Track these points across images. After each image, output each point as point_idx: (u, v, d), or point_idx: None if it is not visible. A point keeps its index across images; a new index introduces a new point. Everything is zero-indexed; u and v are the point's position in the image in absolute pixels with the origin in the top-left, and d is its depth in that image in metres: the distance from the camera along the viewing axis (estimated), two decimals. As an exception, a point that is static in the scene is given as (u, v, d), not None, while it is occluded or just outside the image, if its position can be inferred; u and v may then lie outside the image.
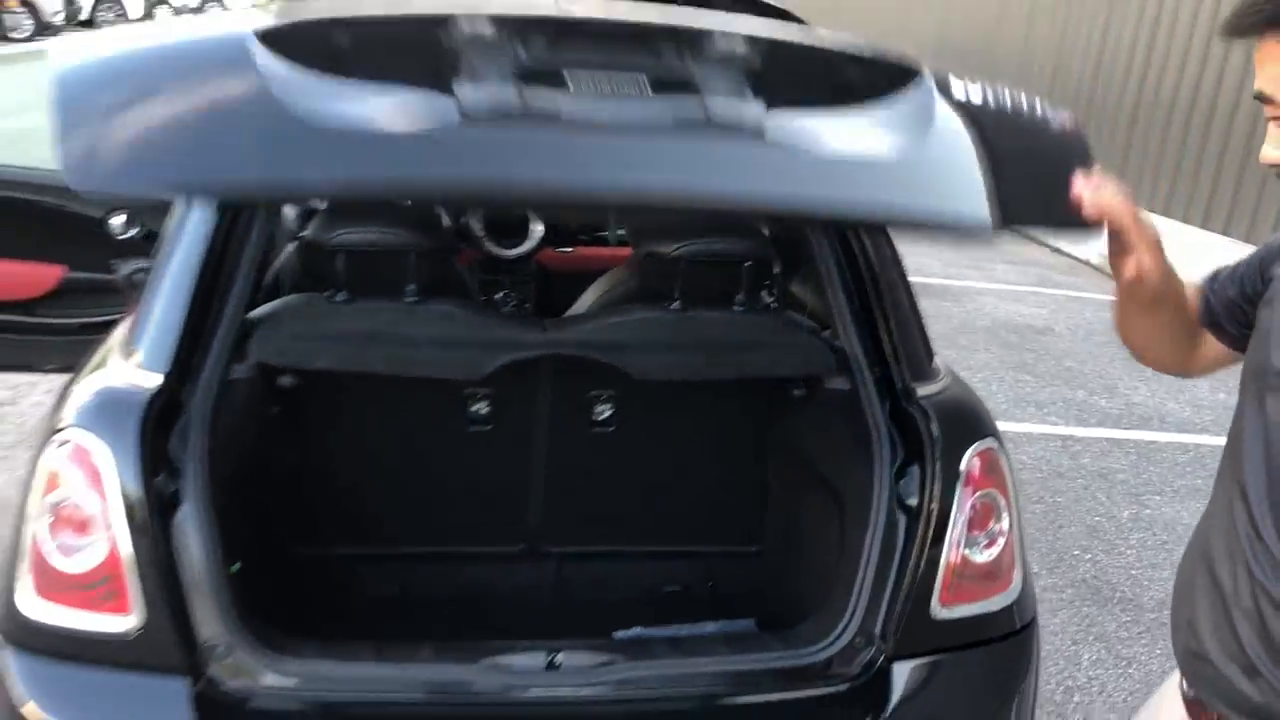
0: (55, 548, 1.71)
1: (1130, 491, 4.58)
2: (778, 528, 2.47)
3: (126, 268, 3.08)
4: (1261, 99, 1.19)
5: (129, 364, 1.82)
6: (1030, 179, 1.51)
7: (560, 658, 1.78)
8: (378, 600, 2.38)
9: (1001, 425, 5.13)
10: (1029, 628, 2.02)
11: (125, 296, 2.56)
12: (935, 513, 1.87)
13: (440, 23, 1.37)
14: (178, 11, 30.44)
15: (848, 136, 1.47)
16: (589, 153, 1.38)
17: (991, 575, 1.95)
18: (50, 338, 3.32)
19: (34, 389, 4.70)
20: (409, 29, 1.46)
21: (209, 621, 1.72)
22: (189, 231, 1.90)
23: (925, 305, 2.24)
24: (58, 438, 1.74)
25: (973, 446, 1.93)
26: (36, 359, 3.38)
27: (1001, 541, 1.96)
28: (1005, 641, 1.97)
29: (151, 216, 3.00)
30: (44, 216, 3.17)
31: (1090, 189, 1.36)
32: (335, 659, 1.78)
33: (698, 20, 1.55)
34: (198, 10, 32.05)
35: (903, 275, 2.17)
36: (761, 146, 1.41)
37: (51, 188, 3.14)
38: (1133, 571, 3.87)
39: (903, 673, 1.87)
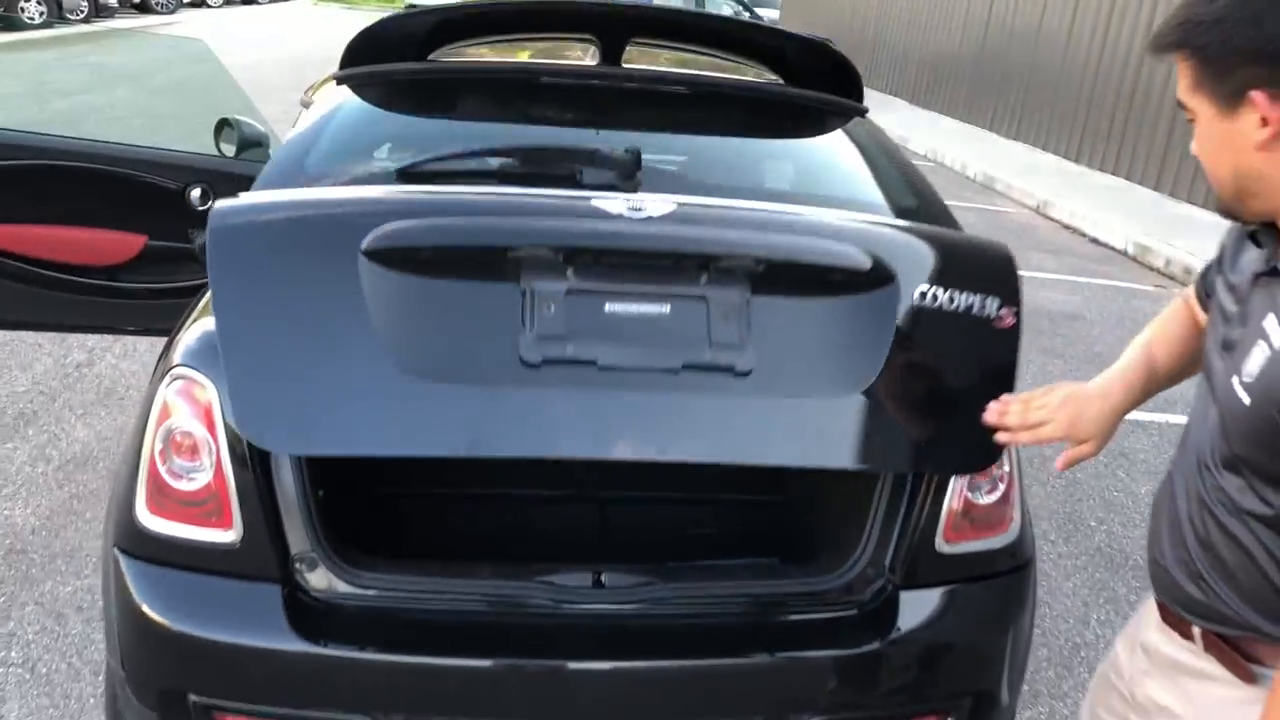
0: (167, 470, 1.97)
1: (1150, 470, 4.75)
2: (802, 478, 2.69)
3: (203, 237, 3.34)
4: (1180, 106, 1.42)
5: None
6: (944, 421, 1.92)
7: (604, 577, 2.02)
8: (437, 532, 2.63)
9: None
10: (1026, 566, 2.22)
11: (202, 264, 2.82)
12: None
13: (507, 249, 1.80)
14: (231, -5, 30.89)
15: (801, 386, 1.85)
16: (608, 424, 1.80)
17: (992, 517, 2.16)
18: (132, 301, 3.59)
19: (108, 351, 5.00)
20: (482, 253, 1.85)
21: (298, 538, 1.97)
22: None
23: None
24: (170, 375, 1.99)
25: None
26: (118, 321, 3.64)
27: (1002, 487, 2.17)
28: (1003, 577, 2.18)
29: (228, 189, 3.26)
30: (127, 188, 3.43)
31: (995, 418, 1.71)
32: (404, 573, 2.03)
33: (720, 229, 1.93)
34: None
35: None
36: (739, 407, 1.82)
37: (132, 161, 3.40)
38: (1145, 542, 4.05)
39: (909, 600, 2.09)
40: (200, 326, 2.07)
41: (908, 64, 20.12)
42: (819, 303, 1.91)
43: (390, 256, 1.78)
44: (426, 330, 1.79)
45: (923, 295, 1.88)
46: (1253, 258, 1.45)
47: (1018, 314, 1.93)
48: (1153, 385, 1.76)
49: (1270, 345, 1.35)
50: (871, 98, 14.81)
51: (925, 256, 1.96)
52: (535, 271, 1.79)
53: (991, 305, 1.91)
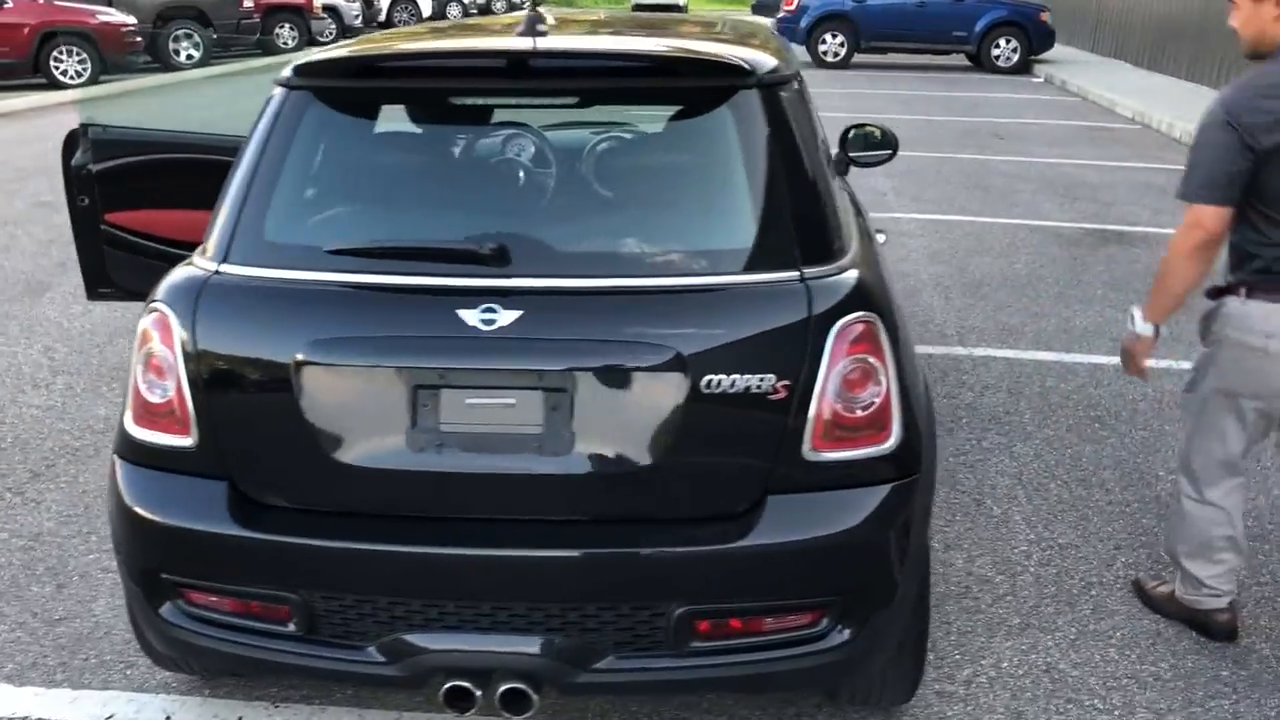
0: (145, 386, 2.38)
1: (1252, 423, 4.52)
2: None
3: None
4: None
5: (203, 257, 2.47)
6: None
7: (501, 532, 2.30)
8: None
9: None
10: (908, 476, 2.32)
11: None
12: (804, 371, 2.22)
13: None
14: (466, 10, 32.76)
15: None
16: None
17: (866, 429, 2.28)
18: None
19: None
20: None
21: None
22: (244, 161, 2.51)
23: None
24: (149, 308, 2.41)
25: (844, 318, 2.25)
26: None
27: (877, 402, 2.28)
28: (878, 485, 2.30)
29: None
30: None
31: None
32: None
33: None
34: (484, 8, 34.36)
35: (811, 178, 2.46)
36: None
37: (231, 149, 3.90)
38: (1213, 491, 3.91)
39: (775, 504, 2.25)
40: (177, 269, 2.48)
41: (1131, 27, 19.08)
42: (628, 390, 2.24)
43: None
44: (340, 422, 2.27)
45: (707, 383, 2.20)
46: None
47: (790, 385, 2.21)
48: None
49: None
50: (1091, 62, 14.57)
51: (715, 350, 2.22)
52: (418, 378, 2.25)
53: (768, 381, 2.21)
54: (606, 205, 2.61)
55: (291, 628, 2.34)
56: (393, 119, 2.76)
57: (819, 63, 18.90)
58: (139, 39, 16.55)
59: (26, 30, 14.98)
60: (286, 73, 2.56)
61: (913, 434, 2.35)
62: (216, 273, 2.39)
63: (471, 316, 2.22)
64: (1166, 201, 8.63)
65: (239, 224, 2.44)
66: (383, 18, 27.59)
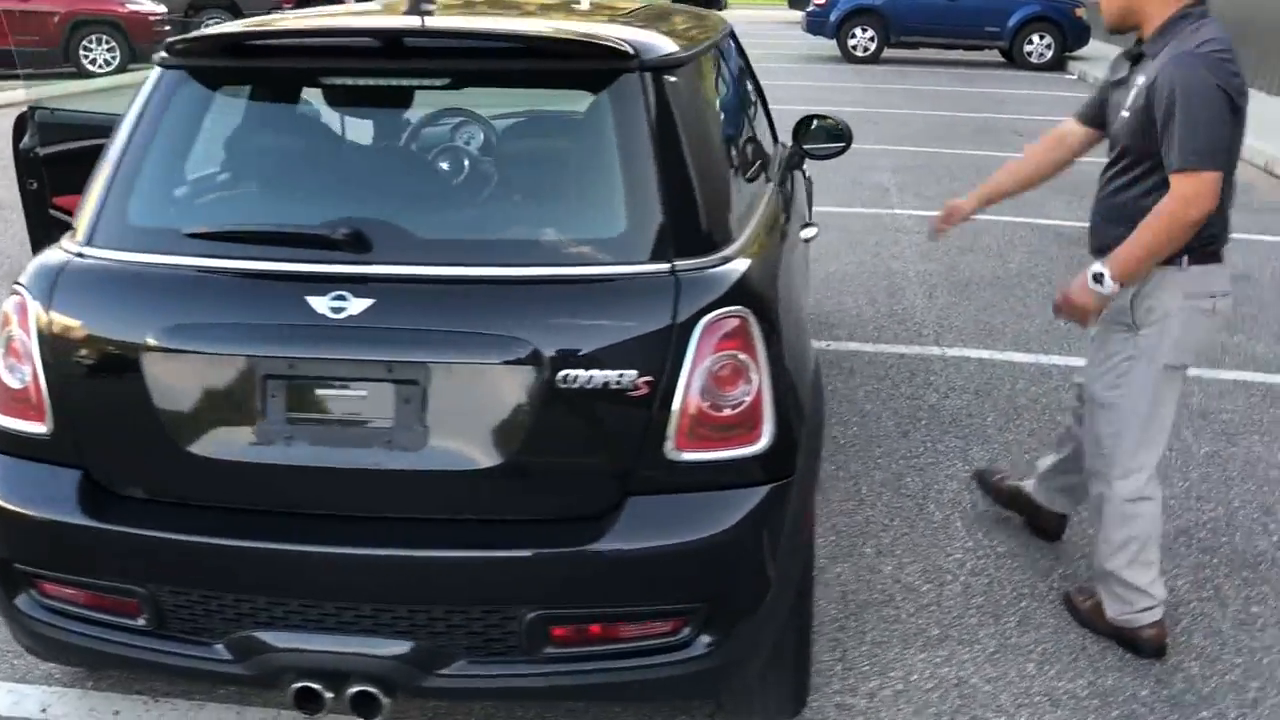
0: (5, 370, 2.33)
1: (1225, 431, 4.36)
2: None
3: None
4: None
5: (70, 240, 2.41)
6: None
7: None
8: None
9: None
10: (780, 483, 2.21)
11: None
12: (668, 367, 2.12)
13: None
14: None
15: None
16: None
17: (735, 429, 2.17)
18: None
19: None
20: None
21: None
22: (115, 142, 2.45)
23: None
24: (12, 290, 2.36)
25: (713, 313, 2.15)
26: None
27: (748, 401, 2.18)
28: (749, 489, 2.19)
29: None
30: None
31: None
32: None
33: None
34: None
35: (693, 167, 2.33)
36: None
37: None
38: (1170, 502, 3.74)
39: (635, 506, 2.15)
40: (43, 253, 2.42)
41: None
42: (482, 384, 2.15)
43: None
44: (191, 412, 2.20)
45: (564, 378, 2.10)
46: (1126, 63, 2.82)
47: (653, 382, 2.11)
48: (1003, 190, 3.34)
49: (1139, 83, 2.69)
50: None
51: (574, 344, 2.12)
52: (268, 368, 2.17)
53: (628, 377, 2.10)
54: (476, 192, 2.53)
55: (141, 622, 2.28)
56: (265, 99, 2.69)
57: (848, 57, 18.65)
58: (168, 28, 16.67)
59: (56, 19, 15.18)
60: (163, 52, 2.50)
61: (788, 435, 2.25)
62: (78, 255, 2.34)
63: (321, 304, 2.14)
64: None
65: (104, 206, 2.38)
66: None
